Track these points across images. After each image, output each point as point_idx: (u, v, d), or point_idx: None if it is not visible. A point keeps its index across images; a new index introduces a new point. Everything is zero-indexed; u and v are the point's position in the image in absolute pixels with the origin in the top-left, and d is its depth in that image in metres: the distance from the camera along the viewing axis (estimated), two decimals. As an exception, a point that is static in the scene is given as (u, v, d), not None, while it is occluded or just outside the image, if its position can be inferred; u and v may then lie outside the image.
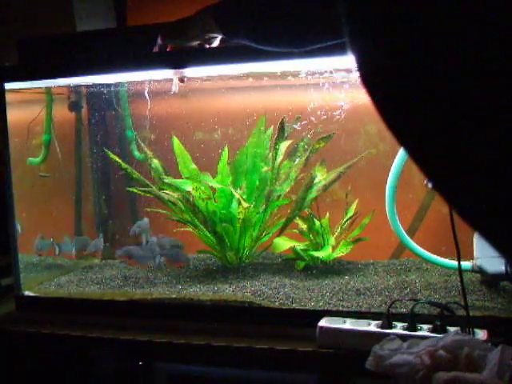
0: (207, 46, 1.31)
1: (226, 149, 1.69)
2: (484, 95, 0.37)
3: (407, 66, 0.40)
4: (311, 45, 1.11)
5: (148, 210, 1.79)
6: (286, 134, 1.67)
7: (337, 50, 1.11)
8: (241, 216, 1.63)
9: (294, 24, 1.08)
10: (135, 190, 1.76)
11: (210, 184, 1.67)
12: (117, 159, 1.77)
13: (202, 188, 1.65)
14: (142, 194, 1.75)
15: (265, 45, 1.15)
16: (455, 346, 0.92)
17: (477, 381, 0.80)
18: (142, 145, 1.82)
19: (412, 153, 0.43)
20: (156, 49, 1.33)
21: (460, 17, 0.37)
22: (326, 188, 1.66)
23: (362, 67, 0.43)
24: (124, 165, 1.76)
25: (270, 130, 1.73)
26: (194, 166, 1.73)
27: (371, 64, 0.43)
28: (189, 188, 1.66)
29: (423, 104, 0.40)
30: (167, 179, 1.71)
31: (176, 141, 1.74)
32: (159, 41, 1.31)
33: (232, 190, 1.66)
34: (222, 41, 1.30)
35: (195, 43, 1.29)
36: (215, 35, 1.25)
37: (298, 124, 1.68)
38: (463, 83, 0.38)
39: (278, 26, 1.11)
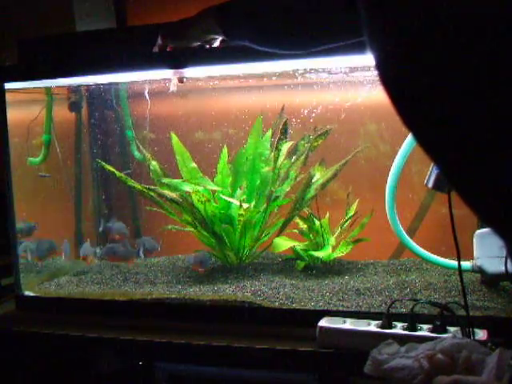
0: (207, 47, 1.31)
1: (226, 149, 1.69)
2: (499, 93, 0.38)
3: (427, 64, 0.40)
4: (313, 47, 1.12)
5: (148, 208, 1.79)
6: (287, 135, 1.67)
7: (338, 50, 1.11)
8: (242, 218, 1.63)
9: (296, 26, 1.08)
10: (138, 186, 1.74)
11: (210, 188, 1.67)
12: (111, 168, 1.75)
13: (201, 191, 1.64)
14: (146, 190, 1.73)
15: (267, 46, 1.15)
16: (453, 350, 0.92)
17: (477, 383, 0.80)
18: (141, 147, 1.81)
19: (429, 150, 0.44)
20: (156, 49, 1.33)
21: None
22: (323, 186, 1.66)
23: (382, 66, 0.44)
24: (118, 173, 1.75)
25: (269, 131, 1.73)
26: (193, 164, 1.73)
27: (391, 62, 0.43)
28: (187, 188, 1.66)
29: (442, 101, 0.41)
30: (165, 180, 1.70)
31: (175, 138, 1.73)
32: (159, 41, 1.30)
33: (227, 198, 1.65)
34: (222, 41, 1.30)
35: (195, 44, 1.29)
36: (216, 36, 1.25)
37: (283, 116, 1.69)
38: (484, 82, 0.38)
39: (280, 27, 1.11)
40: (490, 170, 0.40)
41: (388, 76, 0.44)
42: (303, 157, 1.67)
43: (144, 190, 1.71)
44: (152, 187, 1.71)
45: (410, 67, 0.42)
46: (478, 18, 0.38)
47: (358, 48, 0.94)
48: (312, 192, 1.67)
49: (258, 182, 1.72)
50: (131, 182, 1.74)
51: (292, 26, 1.09)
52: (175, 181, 1.70)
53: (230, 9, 1.17)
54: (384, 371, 0.94)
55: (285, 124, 1.65)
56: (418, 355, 0.93)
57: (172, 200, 1.68)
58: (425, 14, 0.40)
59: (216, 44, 1.31)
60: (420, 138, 0.44)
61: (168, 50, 1.32)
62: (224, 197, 1.66)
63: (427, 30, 0.40)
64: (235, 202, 1.63)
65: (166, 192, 1.68)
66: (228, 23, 1.18)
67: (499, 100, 0.38)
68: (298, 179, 1.69)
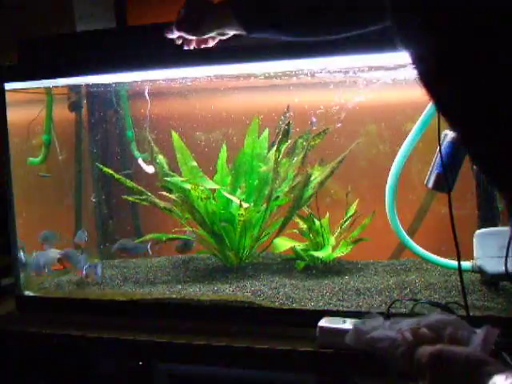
0: (220, 38, 1.29)
1: (224, 147, 1.68)
2: None
3: (469, 61, 0.40)
4: (337, 33, 1.11)
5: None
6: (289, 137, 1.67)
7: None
8: (242, 218, 1.63)
9: (320, 11, 1.08)
10: (130, 199, 1.75)
11: (209, 187, 1.67)
12: (110, 171, 1.75)
13: (201, 188, 1.64)
14: (138, 201, 1.74)
15: (289, 35, 1.14)
16: (439, 326, 0.91)
17: (463, 353, 0.79)
18: (150, 138, 1.79)
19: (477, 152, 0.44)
20: (171, 34, 1.30)
21: None
22: (322, 184, 1.66)
23: (419, 64, 0.44)
24: (117, 175, 1.75)
25: (266, 130, 1.73)
26: (194, 163, 1.73)
27: (430, 61, 0.44)
28: (189, 186, 1.66)
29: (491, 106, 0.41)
30: (168, 179, 1.70)
31: (175, 136, 1.73)
32: (175, 31, 1.28)
33: (228, 195, 1.65)
34: (234, 36, 1.28)
35: (210, 35, 1.27)
36: (231, 29, 1.24)
37: (288, 115, 1.69)
38: None
39: (303, 15, 1.10)
40: None
41: (427, 73, 0.44)
42: (301, 156, 1.67)
43: (142, 191, 1.72)
44: (144, 197, 1.71)
45: (449, 64, 0.42)
46: None
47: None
48: (310, 191, 1.67)
49: (256, 181, 1.72)
50: (130, 184, 1.74)
51: (315, 12, 1.08)
52: (177, 179, 1.70)
53: (248, 1, 1.17)
54: (367, 341, 0.92)
55: (287, 125, 1.65)
56: (402, 328, 0.91)
57: (172, 201, 1.68)
58: (467, 13, 0.40)
59: (229, 36, 1.29)
60: (467, 144, 0.44)
61: (181, 40, 1.30)
62: (226, 194, 1.65)
63: (469, 29, 0.40)
64: (235, 199, 1.63)
65: (165, 195, 1.68)
66: (246, 16, 1.17)
67: None
68: (296, 179, 1.69)
